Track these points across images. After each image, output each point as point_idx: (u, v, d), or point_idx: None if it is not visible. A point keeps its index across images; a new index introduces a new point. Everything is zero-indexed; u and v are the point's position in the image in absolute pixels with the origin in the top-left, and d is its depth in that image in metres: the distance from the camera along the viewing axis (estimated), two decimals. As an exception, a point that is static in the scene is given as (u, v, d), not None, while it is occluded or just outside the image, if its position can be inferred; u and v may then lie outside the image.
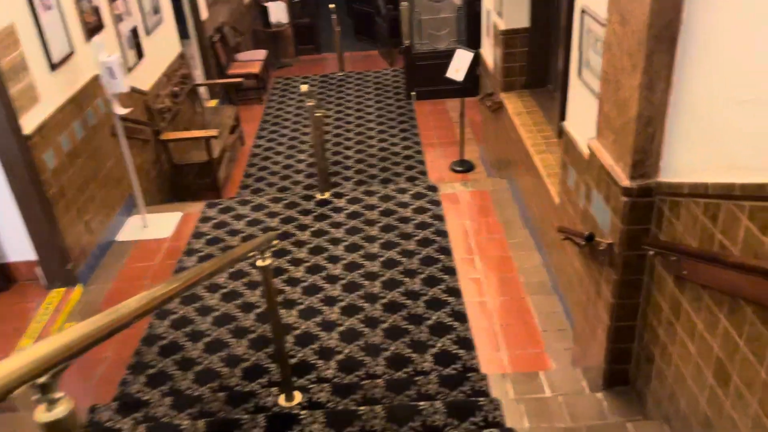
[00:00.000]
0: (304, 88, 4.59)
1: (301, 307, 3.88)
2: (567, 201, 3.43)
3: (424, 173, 6.37)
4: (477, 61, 6.05)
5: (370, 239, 4.54)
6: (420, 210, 4.88)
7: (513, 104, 4.97)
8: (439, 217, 4.76)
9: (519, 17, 4.91)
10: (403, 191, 5.18)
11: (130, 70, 5.29)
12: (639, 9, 2.09)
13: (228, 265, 2.47)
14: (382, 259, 4.31)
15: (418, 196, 5.09)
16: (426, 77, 7.96)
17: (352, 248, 4.44)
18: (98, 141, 4.63)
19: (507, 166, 5.19)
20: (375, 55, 10.55)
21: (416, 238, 4.52)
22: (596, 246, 2.58)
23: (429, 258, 4.28)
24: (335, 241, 4.54)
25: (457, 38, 7.84)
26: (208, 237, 4.70)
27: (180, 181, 5.97)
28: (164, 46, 6.19)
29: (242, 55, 8.65)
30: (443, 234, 4.55)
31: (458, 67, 5.96)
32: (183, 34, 7.87)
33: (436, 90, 7.95)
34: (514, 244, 4.40)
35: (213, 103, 7.92)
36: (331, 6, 9.11)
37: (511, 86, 5.18)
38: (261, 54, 8.73)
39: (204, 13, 7.76)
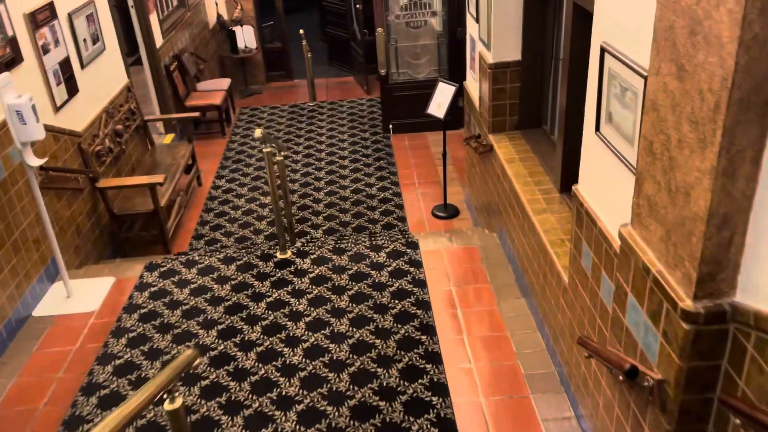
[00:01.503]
0: (258, 132, 3.87)
1: (249, 411, 3.10)
2: (580, 285, 2.73)
3: (402, 219, 5.66)
4: (460, 94, 5.39)
5: (338, 313, 3.79)
6: (398, 273, 4.15)
7: (504, 149, 4.29)
8: (421, 283, 4.03)
9: (509, 49, 4.25)
10: (378, 248, 4.45)
11: (58, 109, 4.52)
12: (716, 60, 1.40)
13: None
14: (351, 340, 3.55)
15: (395, 254, 4.36)
16: (404, 109, 7.29)
17: (316, 326, 3.69)
18: (9, 198, 3.84)
19: (497, 217, 4.49)
20: (351, 81, 9.89)
21: (393, 311, 3.78)
22: (639, 379, 1.87)
23: (409, 340, 3.54)
24: (295, 317, 3.78)
25: (438, 67, 7.20)
26: (143, 311, 3.91)
27: (122, 233, 5.18)
28: (105, 78, 5.44)
29: (203, 85, 7.91)
30: (425, 306, 3.82)
31: (440, 102, 5.29)
32: (138, 61, 7.13)
33: (415, 123, 7.29)
34: (510, 319, 3.68)
35: (168, 138, 7.16)
36: (301, 32, 8.43)
37: (500, 127, 4.51)
38: (224, 83, 8.01)
39: (159, 40, 7.02)
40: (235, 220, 5.81)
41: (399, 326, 3.65)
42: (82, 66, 4.99)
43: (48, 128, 4.31)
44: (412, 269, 4.19)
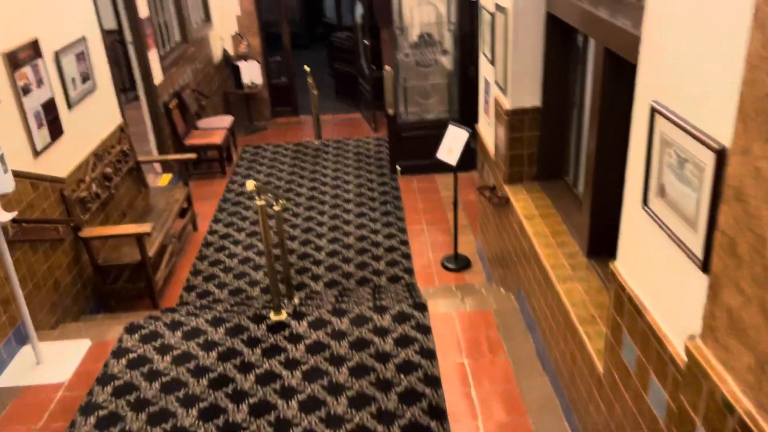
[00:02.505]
0: (250, 185, 3.50)
1: None
2: (621, 382, 2.29)
3: (409, 271, 5.25)
4: (473, 137, 5.02)
5: (335, 390, 3.35)
6: (404, 341, 3.71)
7: (522, 203, 3.89)
8: (429, 354, 3.60)
9: (528, 94, 3.89)
10: (382, 310, 4.02)
11: (38, 153, 4.18)
12: None
13: None
14: (349, 425, 3.11)
15: (401, 318, 3.94)
16: (413, 150, 6.94)
17: (310, 406, 3.25)
18: (-26, 254, 3.47)
19: (514, 275, 4.07)
20: (358, 118, 9.59)
21: (398, 388, 3.34)
22: None
23: (416, 427, 3.09)
24: (287, 393, 3.34)
25: (449, 107, 6.86)
26: (118, 383, 3.49)
27: (107, 285, 4.79)
28: (95, 119, 5.12)
29: (204, 122, 7.61)
30: (434, 383, 3.37)
31: (451, 147, 4.92)
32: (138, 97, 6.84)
33: (424, 164, 6.92)
34: (532, 402, 3.23)
35: (165, 179, 6.82)
36: (306, 68, 8.15)
37: (517, 178, 4.12)
38: (226, 121, 7.70)
39: (158, 76, 6.73)
40: (230, 269, 5.42)
41: (404, 408, 3.20)
42: (69, 106, 4.67)
43: (24, 175, 3.98)
44: (419, 336, 3.75)
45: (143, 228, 4.56)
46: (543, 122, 3.93)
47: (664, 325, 1.93)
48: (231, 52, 9.46)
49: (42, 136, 4.24)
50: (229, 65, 9.32)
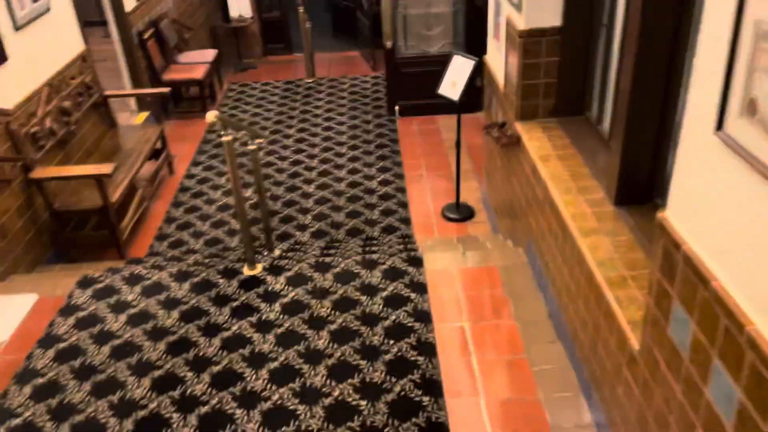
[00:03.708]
0: (210, 116, 2.92)
1: None
2: (665, 364, 1.77)
3: (406, 221, 4.71)
4: (479, 72, 4.39)
5: (313, 358, 2.87)
6: (395, 301, 3.21)
7: (536, 142, 3.32)
8: (424, 316, 3.10)
9: (547, 12, 3.26)
10: (372, 265, 3.51)
11: (-27, 80, 3.60)
12: None
13: None
14: (328, 400, 2.64)
15: (393, 273, 3.42)
16: (413, 88, 6.30)
17: (283, 376, 2.77)
18: None
19: (525, 227, 3.54)
20: (356, 56, 8.88)
21: (386, 356, 2.85)
22: None
23: (405, 401, 2.62)
24: (257, 361, 2.86)
25: (453, 40, 6.18)
26: (62, 345, 3.01)
27: (67, 233, 4.28)
28: (49, 45, 4.49)
29: (185, 56, 6.95)
30: (428, 350, 2.88)
31: (454, 80, 4.31)
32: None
33: (425, 105, 6.30)
34: (543, 374, 2.74)
35: (141, 118, 6.23)
36: (297, -5, 7.41)
37: (531, 113, 3.53)
38: (208, 55, 7.04)
39: (130, 2, 6.05)
40: (208, 217, 4.89)
41: (393, 380, 2.72)
42: (16, 28, 4.05)
43: (-46, 105, 3.41)
44: (413, 295, 3.25)
45: (102, 169, 4.01)
46: (563, 46, 3.31)
47: (742, 297, 1.39)
48: (217, -19, 8.68)
49: (-22, 59, 3.65)
50: (216, -4, 8.57)
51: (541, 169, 3.07)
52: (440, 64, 5.96)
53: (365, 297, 3.25)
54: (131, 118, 6.23)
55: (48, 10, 4.47)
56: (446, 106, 6.18)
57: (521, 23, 3.34)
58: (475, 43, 5.95)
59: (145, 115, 6.25)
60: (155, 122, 5.96)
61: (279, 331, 3.04)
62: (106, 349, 2.97)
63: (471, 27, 6.03)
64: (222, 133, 3.16)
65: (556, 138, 3.34)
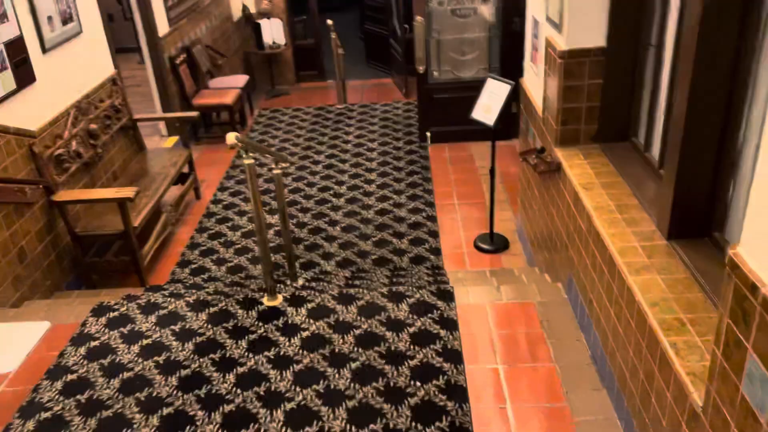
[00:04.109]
0: (230, 138, 2.78)
1: None
2: (736, 425, 1.51)
3: (436, 251, 4.49)
4: (514, 97, 4.19)
5: (332, 399, 2.65)
6: (423, 338, 2.98)
7: (578, 169, 3.08)
8: (454, 356, 2.85)
9: (590, 31, 3.06)
10: (399, 297, 3.29)
11: (-2, 101, 3.55)
12: None
13: None
14: (347, 448, 2.41)
15: (422, 307, 3.20)
16: (445, 114, 6.14)
17: (299, 419, 2.56)
18: None
19: (565, 260, 3.29)
20: (389, 83, 8.79)
21: (412, 400, 2.62)
22: None
23: (431, 452, 2.37)
24: (272, 400, 2.65)
25: (488, 65, 6.02)
26: (71, 377, 2.85)
27: (88, 258, 4.18)
28: (79, 67, 4.47)
29: (216, 82, 6.93)
30: (459, 394, 2.63)
31: (489, 105, 4.11)
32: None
33: (457, 131, 6.12)
34: (585, 425, 2.47)
35: (171, 141, 6.19)
36: (329, 22, 7.37)
37: (572, 138, 3.30)
38: (240, 80, 7.00)
39: (163, 28, 6.06)
40: (232, 243, 4.75)
41: (419, 427, 2.48)
42: (44, 50, 4.02)
43: (-24, 125, 3.35)
44: (443, 333, 3.01)
45: (124, 192, 3.91)
46: (608, 67, 3.10)
47: None
48: (252, 9, 8.74)
49: (4, 80, 3.61)
50: (250, 23, 8.60)
51: (585, 198, 2.83)
52: (474, 90, 5.79)
53: (391, 333, 3.02)
54: (161, 142, 6.19)
55: (79, 32, 4.46)
56: (479, 133, 5.98)
57: (562, 44, 3.15)
58: (510, 69, 5.77)
59: (175, 139, 6.21)
60: (177, 148, 5.91)
61: (297, 367, 2.84)
62: (115, 383, 2.80)
63: (507, 52, 5.85)
64: (243, 156, 3.01)
65: (599, 165, 3.10)
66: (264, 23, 8.26)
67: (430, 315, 3.13)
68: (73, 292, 4.03)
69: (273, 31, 8.37)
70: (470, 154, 6.04)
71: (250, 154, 3.01)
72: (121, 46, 9.29)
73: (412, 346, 2.93)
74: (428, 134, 6.25)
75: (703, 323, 2.04)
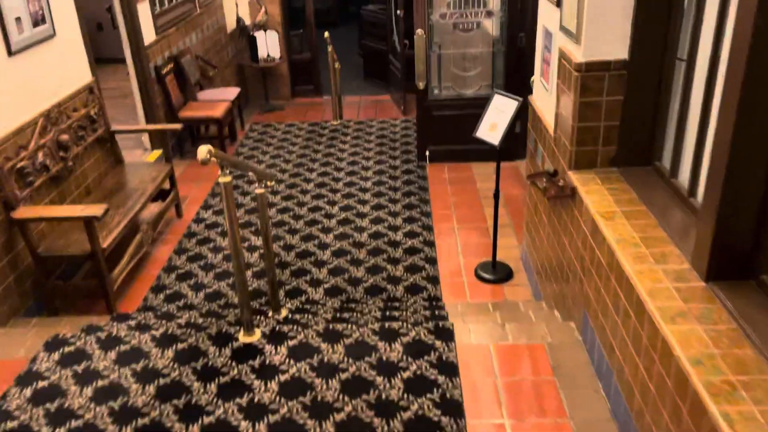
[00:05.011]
0: (202, 152, 2.43)
1: None
2: None
3: (434, 280, 4.13)
4: (519, 116, 3.86)
5: (313, 458, 2.26)
6: (418, 385, 2.61)
7: (595, 195, 2.74)
8: (453, 408, 2.48)
9: (611, 42, 2.74)
10: (392, 335, 2.92)
11: (-49, 106, 3.20)
12: None
13: None
14: None
15: (417, 348, 2.83)
16: (445, 132, 5.82)
17: (272, 483, 2.17)
18: None
19: (578, 296, 2.93)
20: (387, 100, 8.48)
21: (404, 462, 2.23)
22: None
23: None
24: (243, 459, 2.27)
25: (492, 82, 5.71)
26: (10, 425, 2.46)
27: (51, 281, 3.80)
28: (50, 73, 4.13)
29: (205, 94, 6.60)
30: (459, 456, 2.25)
31: (495, 122, 3.78)
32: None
33: (458, 150, 5.81)
34: (607, 499, 2.09)
35: (154, 156, 5.84)
36: (326, 35, 7.08)
37: (588, 161, 2.97)
38: (230, 93, 6.68)
39: (149, 36, 5.75)
40: (212, 267, 4.38)
41: (412, 498, 2.10)
42: (9, 53, 3.68)
43: None
44: (441, 379, 2.64)
45: (91, 210, 3.54)
46: (630, 82, 2.77)
47: None
48: (247, 21, 8.45)
49: (-40, 84, 3.26)
50: (245, 35, 8.31)
51: (605, 229, 2.48)
52: (476, 107, 5.48)
53: (382, 378, 2.65)
54: (144, 156, 5.84)
55: (52, 35, 4.12)
56: (481, 153, 5.68)
57: (578, 55, 2.82)
58: (515, 86, 5.46)
59: (158, 153, 5.86)
60: (158, 162, 5.56)
61: (273, 418, 2.45)
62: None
63: (511, 68, 5.55)
64: (219, 173, 2.66)
65: (619, 192, 2.76)
66: (260, 36, 7.96)
67: (426, 357, 2.76)
68: (32, 319, 3.64)
69: (268, 44, 8.08)
70: (471, 174, 5.70)
71: (227, 171, 2.65)
72: (110, 56, 9.01)
73: (405, 395, 2.55)
74: (427, 153, 5.91)
75: (759, 387, 1.69)
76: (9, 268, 3.60)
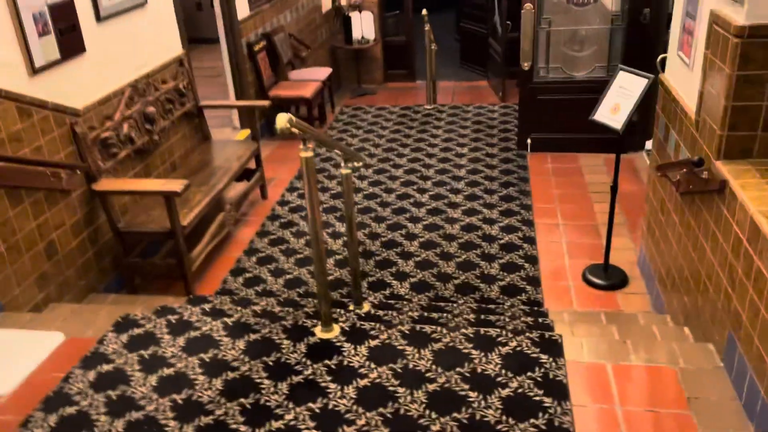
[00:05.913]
0: (282, 120, 2.12)
1: None
2: None
3: (534, 281, 3.67)
4: (647, 97, 3.31)
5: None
6: (520, 407, 2.19)
7: (755, 191, 2.20)
8: (563, 440, 2.05)
9: (787, -2, 2.18)
10: (488, 344, 2.52)
11: (36, 71, 3.09)
12: None
13: None
14: None
15: (519, 362, 2.41)
16: (550, 119, 5.30)
17: None
18: None
19: (721, 313, 2.40)
20: (484, 86, 7.99)
21: (503, 502, 1.84)
22: None
23: None
24: (312, 477, 1.95)
25: (608, 63, 5.11)
26: (68, 411, 2.28)
27: (130, 258, 3.67)
28: (141, 43, 4.00)
29: (297, 73, 6.40)
30: (572, 503, 1.83)
31: (617, 103, 3.26)
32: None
33: (564, 139, 5.27)
34: None
35: (243, 134, 5.70)
36: (424, 12, 6.68)
37: (743, 149, 2.42)
38: (322, 73, 6.44)
39: (243, 11, 5.59)
40: (294, 252, 4.13)
41: None
42: (98, 18, 3.56)
43: (8, 96, 2.89)
44: (547, 401, 2.21)
45: (171, 185, 3.36)
46: (810, 50, 2.21)
47: None
48: (343, 0, 8.20)
49: (45, 47, 3.14)
50: (340, 17, 8.07)
51: (772, 233, 1.96)
52: (587, 91, 4.96)
53: (476, 394, 2.25)
54: (233, 135, 5.71)
55: (144, 3, 3.99)
56: (590, 142, 5.14)
57: (740, 18, 2.28)
58: (636, 68, 4.86)
59: (247, 132, 5.71)
60: (246, 141, 5.39)
61: (348, 430, 2.12)
62: (119, 425, 2.20)
63: (632, 49, 4.93)
64: (301, 146, 2.35)
65: (788, 188, 2.20)
66: (355, 17, 7.69)
67: (530, 374, 2.34)
68: (109, 296, 3.53)
69: (363, 25, 7.79)
70: (578, 166, 5.15)
71: (309, 146, 2.34)
72: (208, 36, 9.05)
73: (504, 417, 2.14)
74: (529, 141, 5.41)
75: None
76: (89, 242, 3.49)
